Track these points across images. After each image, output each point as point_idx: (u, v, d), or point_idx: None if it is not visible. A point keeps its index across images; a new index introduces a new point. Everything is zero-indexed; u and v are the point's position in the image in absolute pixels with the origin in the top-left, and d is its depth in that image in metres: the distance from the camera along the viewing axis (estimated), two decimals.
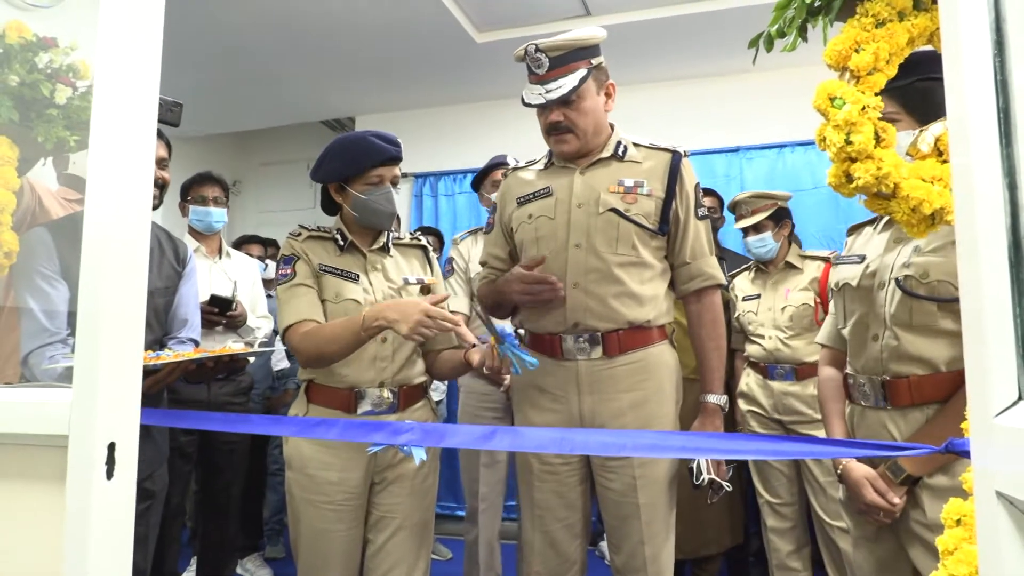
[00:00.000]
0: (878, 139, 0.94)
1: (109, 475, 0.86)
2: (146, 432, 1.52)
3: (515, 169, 2.00)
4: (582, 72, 1.72)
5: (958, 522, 0.94)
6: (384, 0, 3.38)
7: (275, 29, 3.67)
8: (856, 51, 0.96)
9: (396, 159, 1.81)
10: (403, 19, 3.57)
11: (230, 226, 5.90)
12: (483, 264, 2.03)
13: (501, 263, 1.96)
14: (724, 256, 3.14)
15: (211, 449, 2.96)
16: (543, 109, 1.77)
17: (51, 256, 1.65)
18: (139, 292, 0.93)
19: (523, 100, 1.79)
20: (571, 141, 1.78)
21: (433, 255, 2.01)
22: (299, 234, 1.85)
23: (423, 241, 2.02)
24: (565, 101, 1.73)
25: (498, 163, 2.88)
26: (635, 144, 1.85)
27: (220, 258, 3.14)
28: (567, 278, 1.76)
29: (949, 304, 1.39)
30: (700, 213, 1.83)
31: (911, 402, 1.42)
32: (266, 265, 4.11)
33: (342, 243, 1.84)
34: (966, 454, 0.95)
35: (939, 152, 0.99)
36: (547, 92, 1.73)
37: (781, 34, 1.09)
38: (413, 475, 1.80)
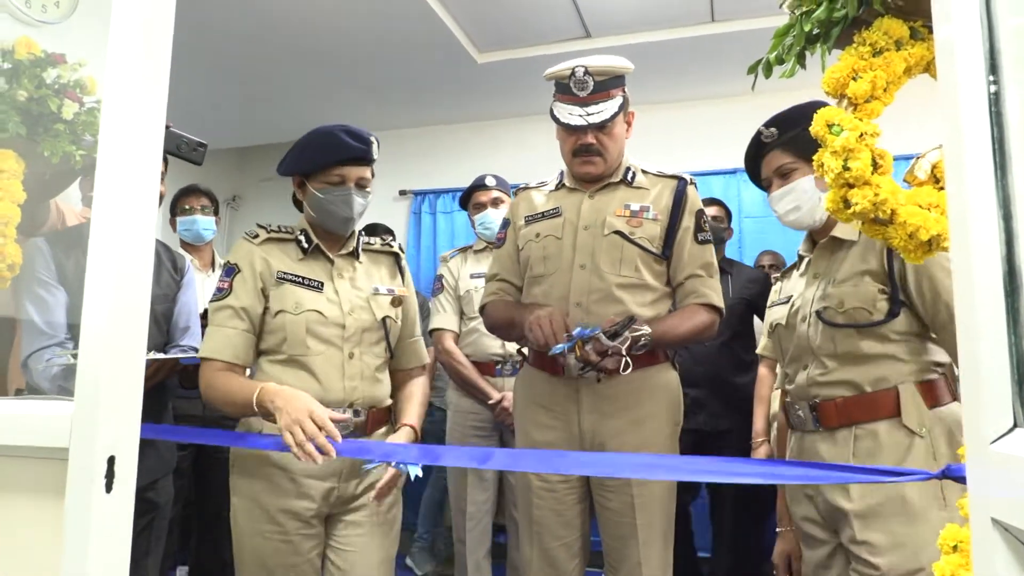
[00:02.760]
0: (876, 166, 0.95)
1: (108, 488, 0.86)
2: (149, 439, 1.52)
3: (526, 188, 2.03)
4: (620, 99, 1.78)
5: (955, 548, 0.94)
6: (386, 19, 3.42)
7: (276, 46, 3.70)
8: (854, 79, 0.97)
9: (362, 159, 1.67)
10: (405, 38, 3.61)
11: (229, 241, 5.92)
12: (492, 278, 1.99)
13: (513, 278, 1.95)
14: (730, 270, 3.15)
15: (204, 465, 2.94)
16: (573, 130, 1.79)
17: (48, 264, 1.67)
18: (142, 307, 0.94)
19: (556, 118, 1.80)
20: (599, 164, 1.82)
21: (405, 263, 1.88)
22: (256, 235, 1.69)
23: (395, 247, 1.87)
24: (602, 125, 1.76)
25: (478, 185, 2.91)
26: (643, 171, 1.89)
27: (213, 271, 3.13)
28: (570, 298, 1.78)
29: (869, 328, 1.46)
30: (701, 238, 1.86)
31: (839, 423, 1.48)
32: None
33: (306, 246, 1.70)
34: (963, 480, 0.96)
35: (936, 179, 1.01)
36: (588, 115, 1.75)
37: (780, 61, 1.11)
38: (374, 511, 1.67)
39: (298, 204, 1.79)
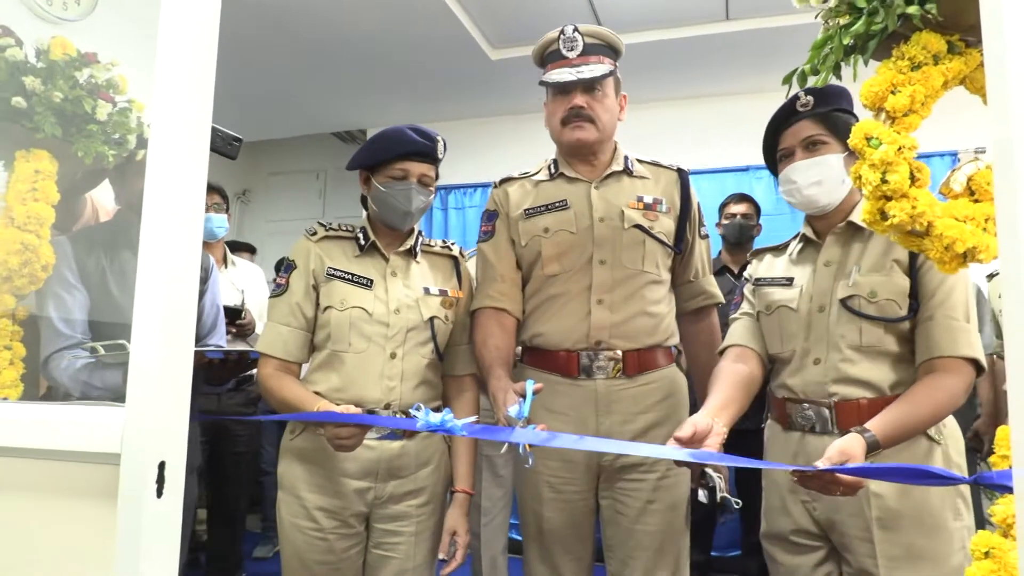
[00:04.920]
0: (913, 179, 0.96)
1: (159, 493, 0.88)
2: None
3: (509, 179, 1.89)
4: (611, 68, 1.73)
5: (986, 554, 0.96)
6: (400, 15, 3.42)
7: (288, 42, 3.71)
8: (892, 93, 0.98)
9: (426, 154, 1.70)
10: (419, 34, 3.61)
11: (239, 234, 5.94)
12: (485, 277, 1.83)
13: (509, 271, 1.81)
14: None
15: (218, 460, 2.97)
16: (564, 95, 1.72)
17: (70, 263, 1.68)
18: (190, 313, 0.95)
19: (545, 81, 1.74)
20: (590, 130, 1.72)
21: (464, 267, 1.86)
22: (315, 233, 1.73)
23: (455, 251, 1.86)
24: (590, 87, 1.71)
25: None
26: (639, 160, 1.83)
27: (226, 267, 3.14)
28: (591, 295, 1.71)
29: (894, 325, 1.42)
30: (703, 232, 1.85)
31: (859, 425, 1.40)
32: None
33: (363, 243, 1.72)
34: (996, 487, 0.97)
35: (971, 191, 1.02)
36: (579, 72, 1.69)
37: (815, 71, 1.12)
38: (416, 512, 1.68)
39: (364, 202, 1.81)
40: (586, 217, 1.74)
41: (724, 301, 1.87)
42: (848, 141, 1.03)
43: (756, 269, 1.70)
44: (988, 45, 0.74)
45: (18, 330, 1.64)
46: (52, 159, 1.55)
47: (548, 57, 1.76)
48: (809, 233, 1.60)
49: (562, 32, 1.73)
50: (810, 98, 1.52)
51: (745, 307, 1.68)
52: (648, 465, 1.69)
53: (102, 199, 1.83)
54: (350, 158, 1.78)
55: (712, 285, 1.85)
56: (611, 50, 1.76)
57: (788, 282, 1.58)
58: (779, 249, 1.69)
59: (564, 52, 1.71)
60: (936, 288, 1.41)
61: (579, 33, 1.71)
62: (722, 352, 1.67)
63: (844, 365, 1.45)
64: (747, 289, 1.70)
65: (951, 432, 1.45)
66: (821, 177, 1.50)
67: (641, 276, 1.73)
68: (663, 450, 1.36)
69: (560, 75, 1.70)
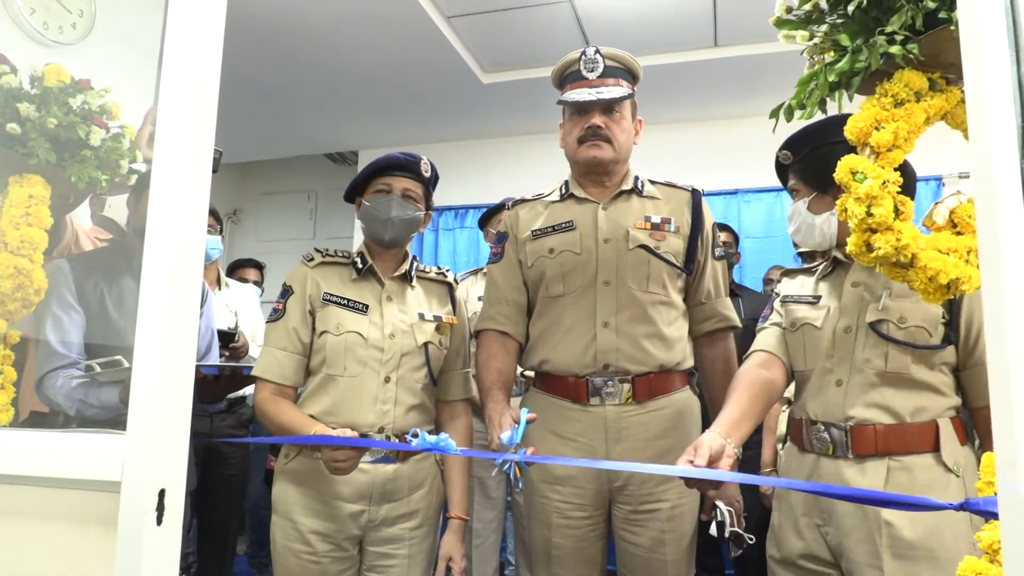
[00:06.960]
0: (897, 212, 0.99)
1: (159, 521, 0.89)
2: None
3: (522, 201, 1.92)
4: (629, 91, 1.74)
5: None
6: (394, 39, 3.47)
7: (283, 62, 3.75)
8: (877, 129, 1.02)
9: (407, 168, 1.75)
10: (412, 58, 3.66)
11: (229, 254, 5.93)
12: (491, 298, 1.86)
13: (515, 294, 1.83)
14: (741, 294, 3.14)
15: (209, 483, 2.94)
16: (582, 115, 1.73)
17: (69, 285, 1.69)
18: (190, 341, 0.96)
19: (565, 100, 1.75)
20: (606, 149, 1.73)
21: (458, 293, 1.88)
22: (311, 259, 1.76)
23: (449, 277, 1.88)
24: (609, 108, 1.72)
25: (505, 204, 2.93)
26: (651, 181, 1.83)
27: (219, 289, 3.13)
28: (596, 317, 1.70)
29: (923, 352, 1.40)
30: (717, 253, 1.82)
31: (875, 451, 1.40)
32: (263, 291, 4.11)
33: (360, 266, 1.75)
34: (982, 514, 0.99)
35: (953, 224, 1.05)
36: (598, 93, 1.70)
37: (801, 106, 1.15)
38: (410, 535, 1.69)
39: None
40: (591, 238, 1.75)
41: (739, 324, 1.84)
42: (835, 176, 1.06)
43: (786, 287, 1.69)
44: (969, 82, 0.77)
45: (9, 354, 1.64)
46: (45, 184, 1.56)
47: (567, 77, 1.77)
48: (839, 255, 1.58)
49: (583, 53, 1.73)
50: (786, 152, 1.57)
51: (774, 318, 1.66)
52: (658, 493, 1.67)
53: (80, 221, 1.84)
54: (345, 188, 1.82)
55: (727, 308, 1.82)
56: (630, 74, 1.77)
57: (815, 300, 1.57)
58: (810, 271, 1.68)
59: (584, 73, 1.72)
60: (982, 324, 1.36)
61: (600, 55, 1.72)
62: (748, 356, 1.65)
63: (866, 389, 1.43)
64: (776, 303, 1.69)
65: (969, 462, 1.41)
66: (796, 225, 1.56)
67: (647, 297, 1.71)
68: (659, 468, 1.38)
69: (579, 95, 1.71)
